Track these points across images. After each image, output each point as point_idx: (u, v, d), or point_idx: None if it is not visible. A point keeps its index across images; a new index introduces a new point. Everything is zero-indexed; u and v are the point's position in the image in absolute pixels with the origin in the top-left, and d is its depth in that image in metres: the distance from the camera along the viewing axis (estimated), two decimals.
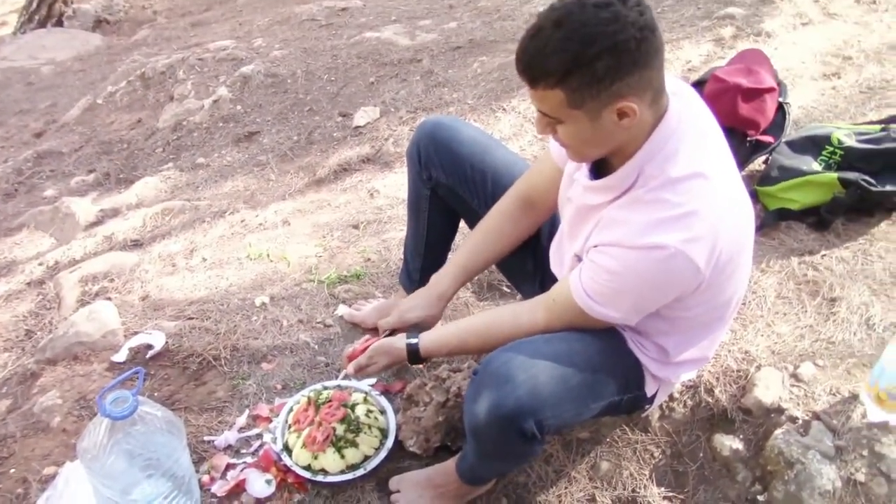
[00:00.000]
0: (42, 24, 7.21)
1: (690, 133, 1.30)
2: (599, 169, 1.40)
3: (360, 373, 1.71)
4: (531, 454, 1.51)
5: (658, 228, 1.25)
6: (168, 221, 2.94)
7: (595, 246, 1.35)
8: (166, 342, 2.10)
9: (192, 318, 2.21)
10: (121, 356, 2.06)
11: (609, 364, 1.45)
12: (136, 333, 2.15)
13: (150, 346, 2.08)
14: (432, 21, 4.55)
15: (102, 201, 3.25)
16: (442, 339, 1.63)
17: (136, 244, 2.79)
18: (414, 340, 1.63)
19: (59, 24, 7.29)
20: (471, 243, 1.77)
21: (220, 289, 2.39)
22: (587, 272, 1.36)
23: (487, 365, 1.35)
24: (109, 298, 2.39)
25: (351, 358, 1.73)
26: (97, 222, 3.07)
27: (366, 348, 1.71)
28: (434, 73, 3.76)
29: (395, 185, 2.91)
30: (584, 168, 1.43)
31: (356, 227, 2.67)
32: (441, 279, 1.77)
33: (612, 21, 1.14)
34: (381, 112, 3.49)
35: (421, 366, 1.67)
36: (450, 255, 2.02)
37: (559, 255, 1.60)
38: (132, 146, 3.81)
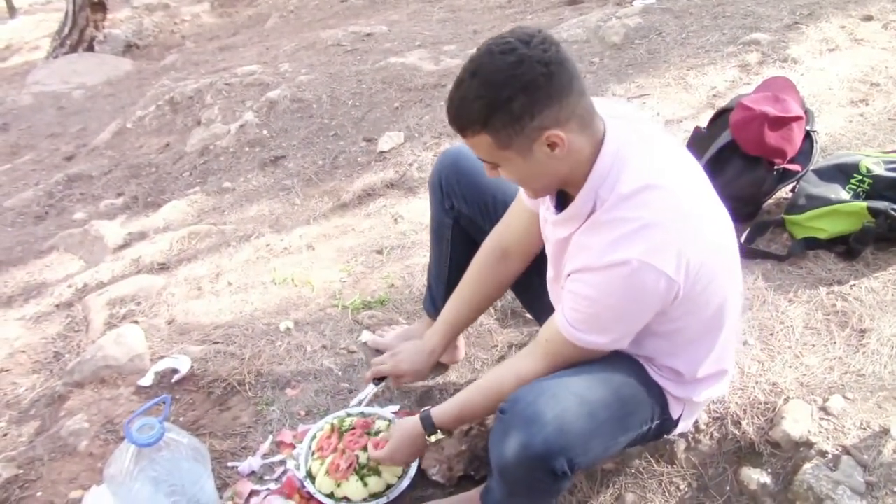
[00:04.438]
0: (74, 49, 7.37)
1: (635, 149, 1.33)
2: (563, 203, 1.42)
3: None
4: (559, 491, 1.49)
5: (618, 245, 1.27)
6: (194, 245, 2.97)
7: (568, 275, 1.37)
8: (192, 367, 2.11)
9: (217, 343, 2.23)
10: (147, 380, 2.08)
11: (636, 394, 1.44)
12: (162, 358, 2.17)
13: (175, 371, 2.10)
14: (457, 46, 4.59)
15: (130, 224, 3.30)
16: (450, 404, 1.62)
17: (163, 268, 2.83)
18: (426, 414, 1.62)
19: (91, 48, 7.45)
20: (456, 298, 1.82)
21: (245, 313, 2.41)
22: (567, 303, 1.38)
23: (514, 404, 1.34)
24: (136, 322, 2.41)
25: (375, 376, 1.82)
26: (125, 245, 3.11)
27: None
28: None
29: (418, 210, 2.93)
30: (550, 205, 1.46)
31: (380, 252, 2.68)
32: (432, 336, 1.84)
33: (518, 64, 1.21)
34: (405, 137, 3.51)
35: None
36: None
37: (555, 291, 1.61)
38: (160, 170, 3.87)
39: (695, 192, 1.36)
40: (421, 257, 2.57)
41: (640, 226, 1.26)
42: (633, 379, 1.44)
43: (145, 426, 1.38)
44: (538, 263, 1.70)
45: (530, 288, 1.81)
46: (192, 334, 2.32)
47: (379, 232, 2.84)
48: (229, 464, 1.83)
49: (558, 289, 1.50)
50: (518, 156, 1.29)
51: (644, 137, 1.36)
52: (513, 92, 1.22)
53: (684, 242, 1.28)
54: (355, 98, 4.02)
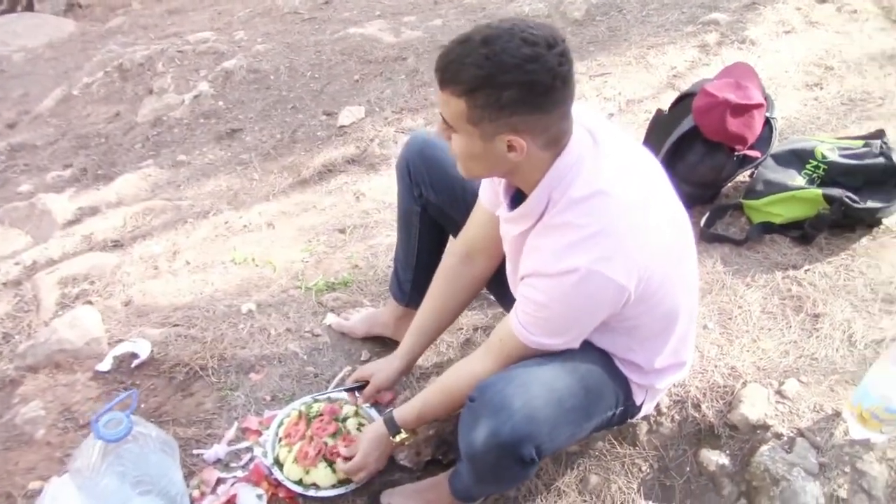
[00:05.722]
0: (11, 8, 7.03)
1: (591, 155, 1.33)
2: (517, 201, 1.43)
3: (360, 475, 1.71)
4: (527, 476, 1.52)
5: (568, 252, 1.29)
6: (149, 221, 2.89)
7: (522, 278, 1.39)
8: (152, 351, 2.07)
9: (177, 326, 2.19)
10: (105, 365, 2.03)
11: (601, 382, 1.47)
12: (120, 341, 2.12)
13: (135, 355, 2.05)
14: (417, 18, 4.51)
15: (80, 198, 3.18)
16: (410, 405, 1.64)
17: (117, 245, 2.74)
18: (389, 416, 1.65)
19: (30, 7, 7.11)
20: (423, 312, 1.81)
21: (205, 294, 2.37)
22: (520, 306, 1.40)
23: (483, 392, 1.35)
24: (90, 302, 2.35)
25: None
26: (75, 220, 3.00)
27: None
28: (419, 72, 3.74)
29: (381, 188, 2.90)
30: (504, 203, 1.47)
31: (342, 231, 2.65)
32: (399, 357, 1.83)
33: (531, 60, 1.19)
34: (365, 112, 3.46)
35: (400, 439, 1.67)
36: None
37: (514, 283, 1.62)
38: (110, 141, 3.74)
39: (647, 197, 1.37)
40: (384, 237, 2.55)
41: (590, 233, 1.28)
42: (599, 368, 1.47)
43: (112, 421, 1.35)
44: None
45: (497, 275, 1.82)
46: (150, 316, 2.26)
47: (341, 210, 2.81)
48: (194, 451, 1.81)
49: (516, 280, 1.52)
50: (478, 137, 1.28)
51: (600, 142, 1.36)
52: (511, 81, 1.20)
53: (634, 250, 1.30)
54: (314, 70, 3.94)
